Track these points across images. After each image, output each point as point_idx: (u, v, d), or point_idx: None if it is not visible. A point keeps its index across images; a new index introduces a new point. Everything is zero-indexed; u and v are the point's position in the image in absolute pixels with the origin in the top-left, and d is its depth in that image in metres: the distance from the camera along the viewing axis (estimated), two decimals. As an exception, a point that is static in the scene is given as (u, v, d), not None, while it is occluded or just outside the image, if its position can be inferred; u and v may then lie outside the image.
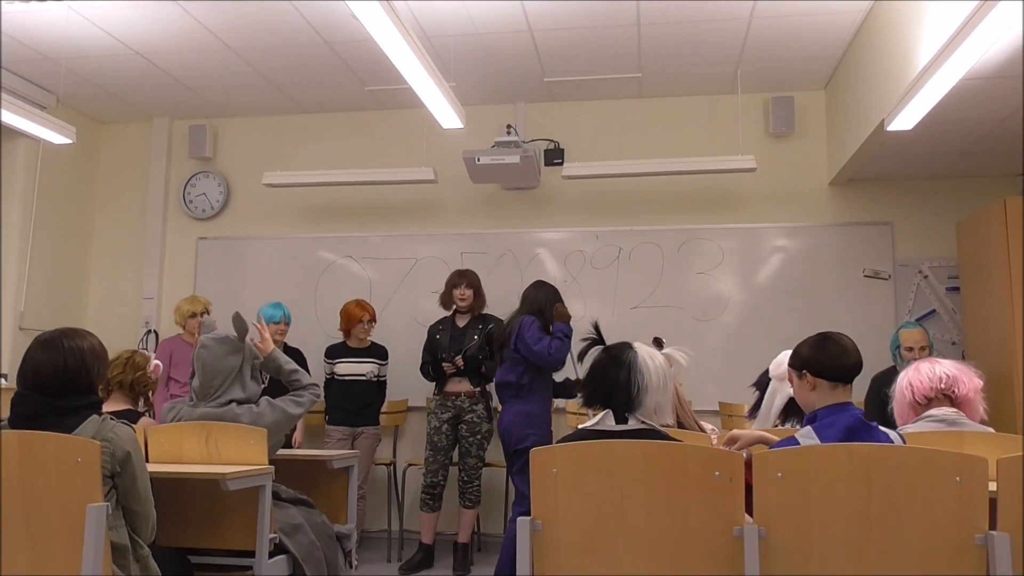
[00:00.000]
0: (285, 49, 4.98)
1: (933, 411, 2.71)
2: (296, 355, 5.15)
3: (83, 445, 2.21)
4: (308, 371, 5.10)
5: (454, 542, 4.85)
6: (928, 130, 4.17)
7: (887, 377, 4.29)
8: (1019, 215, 4.41)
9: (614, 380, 2.30)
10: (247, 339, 3.22)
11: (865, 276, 5.33)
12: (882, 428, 2.20)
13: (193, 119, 6.18)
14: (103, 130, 6.33)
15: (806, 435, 2.19)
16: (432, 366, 4.92)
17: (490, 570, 4.77)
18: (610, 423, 2.28)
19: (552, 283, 4.63)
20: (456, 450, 4.87)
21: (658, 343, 3.37)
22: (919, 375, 2.77)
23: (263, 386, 3.28)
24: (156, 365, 3.47)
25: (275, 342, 4.95)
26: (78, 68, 5.26)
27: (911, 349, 4.47)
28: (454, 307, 5.00)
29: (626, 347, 2.37)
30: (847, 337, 2.34)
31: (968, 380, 2.73)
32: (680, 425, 3.21)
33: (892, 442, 2.18)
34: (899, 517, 1.85)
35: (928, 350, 4.48)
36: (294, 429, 4.95)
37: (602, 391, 2.32)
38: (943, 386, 2.72)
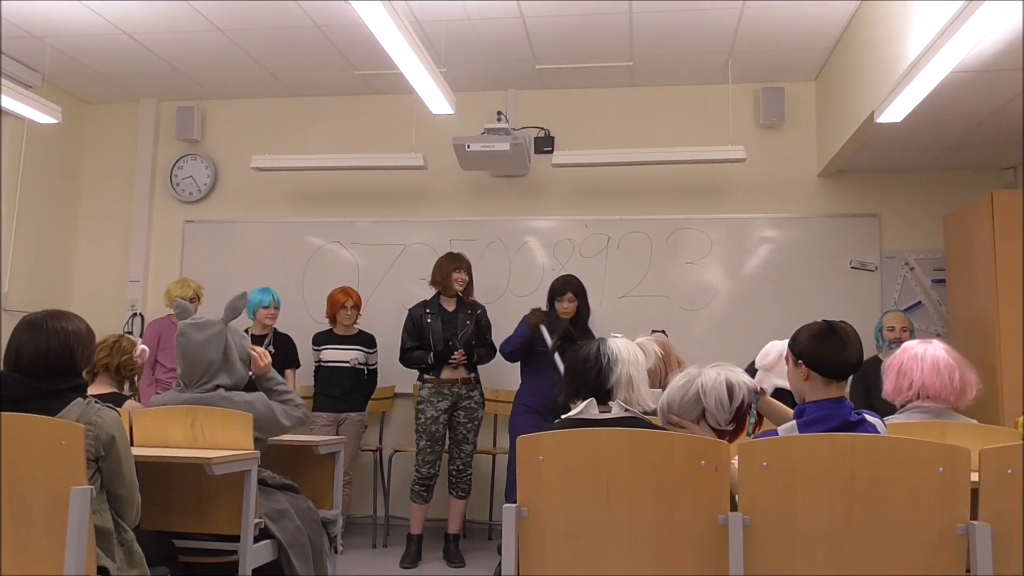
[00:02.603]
0: (275, 31, 4.94)
1: (920, 402, 2.73)
2: (286, 341, 5.14)
3: (67, 428, 2.20)
4: (298, 356, 5.18)
5: (445, 533, 4.82)
6: (917, 122, 4.19)
7: (871, 366, 4.33)
8: (1005, 208, 4.45)
9: (584, 362, 2.34)
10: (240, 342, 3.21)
11: (852, 267, 5.36)
12: (869, 419, 2.18)
13: (181, 100, 6.12)
14: (89, 110, 6.27)
15: (788, 430, 2.18)
16: (433, 354, 4.67)
17: (477, 558, 4.80)
18: (593, 412, 2.29)
19: (561, 275, 4.68)
20: (448, 438, 4.80)
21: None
22: (938, 376, 2.70)
23: (250, 374, 3.26)
24: (143, 350, 3.46)
25: (265, 327, 5.00)
26: (65, 47, 5.20)
27: (892, 329, 4.67)
28: (439, 291, 4.84)
29: (597, 338, 2.43)
30: (851, 328, 2.24)
31: (969, 393, 2.71)
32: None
33: (879, 432, 2.18)
34: (882, 506, 1.87)
35: (909, 333, 4.63)
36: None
37: (576, 377, 2.35)
38: (954, 400, 2.71)
